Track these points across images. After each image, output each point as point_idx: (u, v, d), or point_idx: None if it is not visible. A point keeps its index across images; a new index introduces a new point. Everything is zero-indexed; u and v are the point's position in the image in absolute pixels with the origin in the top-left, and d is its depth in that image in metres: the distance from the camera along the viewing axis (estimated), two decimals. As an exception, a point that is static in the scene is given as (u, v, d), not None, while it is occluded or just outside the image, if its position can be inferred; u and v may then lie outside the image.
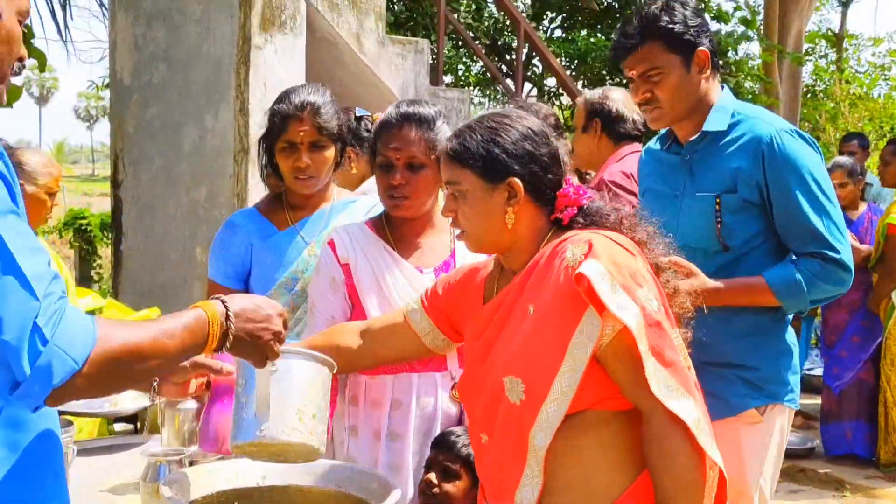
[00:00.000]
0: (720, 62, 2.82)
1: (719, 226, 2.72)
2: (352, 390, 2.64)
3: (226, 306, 1.75)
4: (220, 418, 2.25)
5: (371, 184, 3.44)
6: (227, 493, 2.23)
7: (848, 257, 2.68)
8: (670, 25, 2.71)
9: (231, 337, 1.74)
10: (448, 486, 2.42)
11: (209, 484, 2.22)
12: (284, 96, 2.85)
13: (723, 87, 2.83)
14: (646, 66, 2.74)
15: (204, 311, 1.72)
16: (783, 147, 2.67)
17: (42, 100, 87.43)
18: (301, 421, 2.02)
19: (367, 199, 3.06)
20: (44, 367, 1.46)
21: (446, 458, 2.45)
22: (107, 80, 6.97)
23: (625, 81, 10.18)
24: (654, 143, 3.03)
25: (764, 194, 2.70)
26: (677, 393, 1.89)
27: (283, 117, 2.80)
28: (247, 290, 2.93)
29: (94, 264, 13.36)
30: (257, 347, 1.83)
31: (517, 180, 2.06)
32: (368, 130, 3.60)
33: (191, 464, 2.41)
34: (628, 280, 1.92)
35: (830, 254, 2.66)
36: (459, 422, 2.63)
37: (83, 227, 13.44)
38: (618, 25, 3.03)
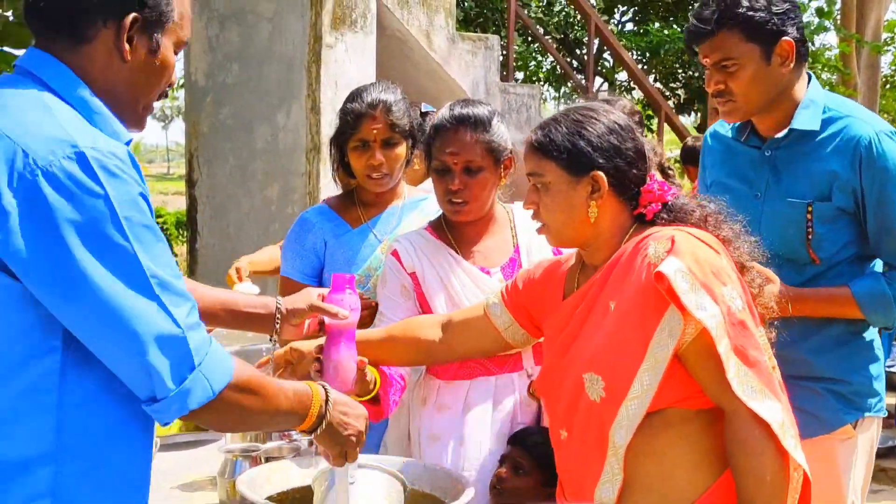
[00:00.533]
0: (807, 51, 2.53)
1: (810, 236, 2.49)
2: (424, 392, 2.62)
3: (327, 392, 1.85)
4: (339, 357, 2.26)
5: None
6: (302, 489, 2.24)
7: None
8: (750, 13, 2.42)
9: (325, 423, 1.83)
10: (517, 481, 2.42)
11: (284, 480, 2.24)
12: (356, 95, 2.86)
13: (809, 78, 2.57)
14: (720, 56, 2.46)
15: (310, 388, 1.82)
16: (883, 151, 2.44)
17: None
18: None
19: (434, 196, 3.06)
20: (186, 390, 1.55)
21: (518, 453, 2.45)
22: (181, 81, 7.06)
23: (698, 76, 10.01)
24: (723, 129, 2.74)
25: (859, 202, 2.48)
26: (761, 395, 1.86)
27: (355, 115, 2.80)
28: (320, 285, 2.94)
29: (171, 262, 13.59)
30: (342, 441, 1.90)
31: (601, 174, 2.04)
32: None
33: (267, 460, 2.43)
34: (710, 278, 1.89)
35: None
36: (538, 420, 2.61)
37: (161, 226, 13.67)
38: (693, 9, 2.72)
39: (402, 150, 2.86)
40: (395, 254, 2.64)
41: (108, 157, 1.52)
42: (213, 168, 6.55)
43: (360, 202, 2.98)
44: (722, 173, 2.71)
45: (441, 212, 2.71)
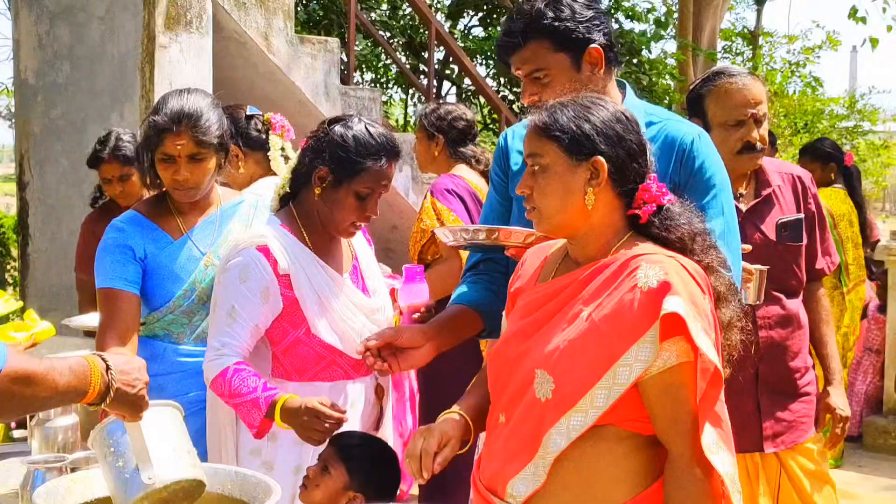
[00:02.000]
0: (620, 56, 2.56)
1: None
2: None
3: (105, 361, 1.84)
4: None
5: (261, 185, 3.43)
6: (105, 499, 2.21)
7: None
8: (556, 23, 2.44)
9: (112, 391, 1.83)
10: (321, 479, 2.50)
11: (87, 491, 2.20)
12: (161, 106, 2.76)
13: (624, 86, 2.62)
14: (531, 67, 2.48)
15: (86, 361, 1.80)
16: (701, 151, 2.50)
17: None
18: (181, 458, 2.08)
19: (252, 198, 3.05)
20: None
21: (330, 453, 2.53)
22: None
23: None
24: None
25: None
26: (717, 447, 1.90)
27: (158, 130, 2.73)
28: (143, 297, 2.88)
29: (9, 266, 13.07)
30: (133, 399, 1.90)
31: (602, 160, 2.01)
32: (258, 130, 3.57)
33: (72, 471, 2.38)
34: (705, 324, 1.91)
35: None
36: (377, 427, 2.77)
37: (-4, 230, 13.13)
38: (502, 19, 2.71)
39: (210, 163, 2.81)
40: (264, 250, 2.59)
41: None
42: (44, 170, 6.36)
43: (175, 210, 2.90)
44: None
45: (283, 208, 2.72)
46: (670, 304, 1.88)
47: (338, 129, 2.66)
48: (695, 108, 3.18)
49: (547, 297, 2.09)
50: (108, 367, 1.83)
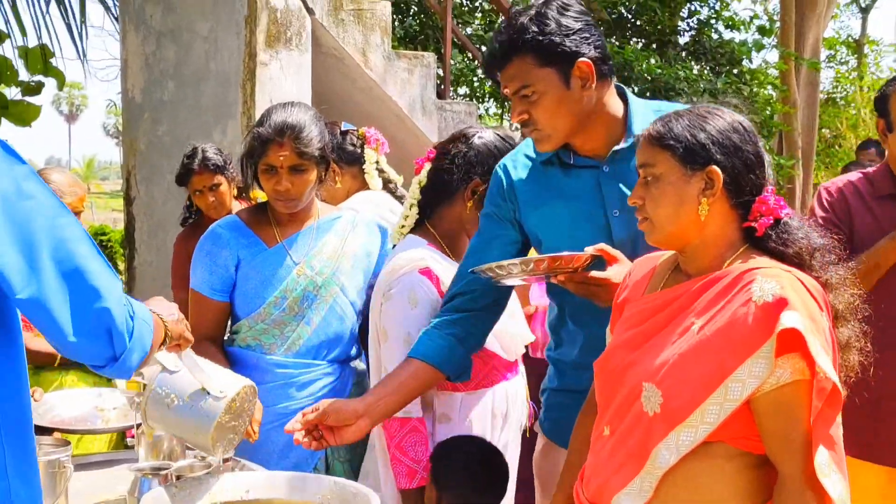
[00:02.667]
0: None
1: None
2: (443, 409, 2.73)
3: (160, 315, 2.00)
4: None
5: (357, 200, 3.47)
6: (208, 507, 2.26)
7: None
8: (540, 37, 2.30)
9: (170, 333, 2.02)
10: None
11: (190, 499, 2.25)
12: (265, 117, 2.82)
13: (624, 92, 2.48)
14: (518, 84, 2.35)
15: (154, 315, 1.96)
16: None
17: (71, 117, 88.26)
18: (227, 373, 2.36)
19: (350, 215, 3.07)
20: (139, 338, 1.76)
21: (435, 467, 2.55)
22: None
23: (638, 91, 10.08)
24: (528, 155, 2.56)
25: None
26: (829, 469, 1.84)
27: (262, 141, 2.78)
28: (231, 302, 2.94)
29: (116, 279, 13.48)
30: (182, 334, 2.10)
31: (717, 169, 1.95)
32: (353, 145, 3.61)
33: (178, 478, 2.43)
34: (823, 341, 1.84)
35: None
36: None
37: (104, 244, 13.57)
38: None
39: (311, 175, 2.84)
40: (427, 272, 2.65)
41: None
42: (150, 186, 6.54)
43: (274, 220, 2.96)
44: (554, 201, 2.50)
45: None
46: (788, 319, 1.81)
47: (480, 140, 2.74)
48: (880, 107, 3.07)
49: (656, 308, 2.04)
50: (166, 325, 2.00)
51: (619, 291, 2.22)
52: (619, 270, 2.27)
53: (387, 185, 3.65)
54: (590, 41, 2.34)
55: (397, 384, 2.45)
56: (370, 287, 2.96)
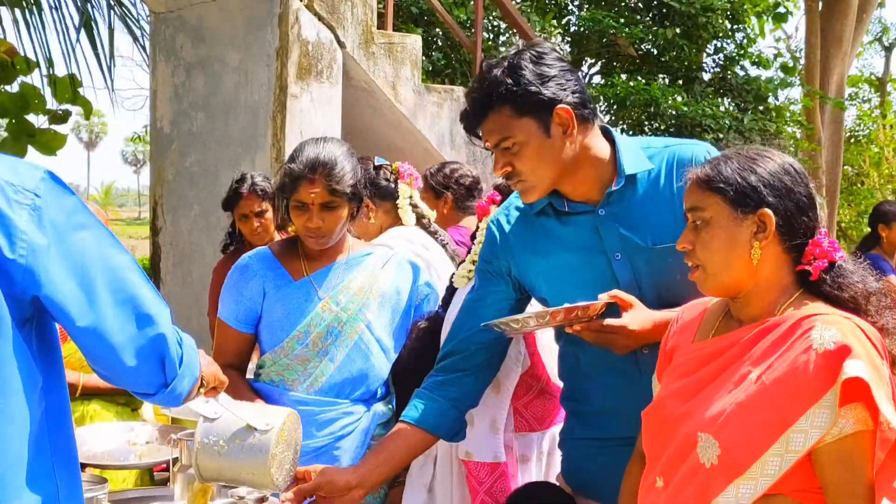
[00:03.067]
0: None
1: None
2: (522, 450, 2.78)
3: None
4: None
5: (390, 235, 3.43)
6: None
7: None
8: (515, 88, 2.25)
9: (205, 382, 2.06)
10: None
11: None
12: (297, 154, 2.79)
13: (610, 132, 2.42)
14: (498, 137, 2.28)
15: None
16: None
17: (90, 144, 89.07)
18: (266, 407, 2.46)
19: (382, 252, 3.03)
20: (189, 363, 1.81)
21: None
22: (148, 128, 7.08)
23: (664, 128, 9.97)
24: (521, 206, 2.50)
25: None
26: None
27: (294, 178, 2.75)
28: (256, 335, 2.92)
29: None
30: (218, 383, 2.17)
31: (769, 212, 1.91)
32: (387, 179, 3.57)
33: (211, 517, 2.39)
34: (887, 390, 1.79)
35: None
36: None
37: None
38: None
39: (343, 212, 2.80)
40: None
41: None
42: (177, 216, 6.53)
43: (303, 253, 2.93)
44: (552, 250, 2.45)
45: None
46: (852, 368, 1.76)
47: None
48: None
49: (709, 356, 1.99)
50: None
51: (666, 338, 2.17)
52: (635, 316, 2.23)
53: (420, 220, 3.61)
54: (566, 87, 2.29)
55: (389, 453, 2.43)
56: (404, 325, 2.94)
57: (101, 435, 3.18)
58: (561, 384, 2.61)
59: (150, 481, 3.84)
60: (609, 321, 2.20)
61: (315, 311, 2.84)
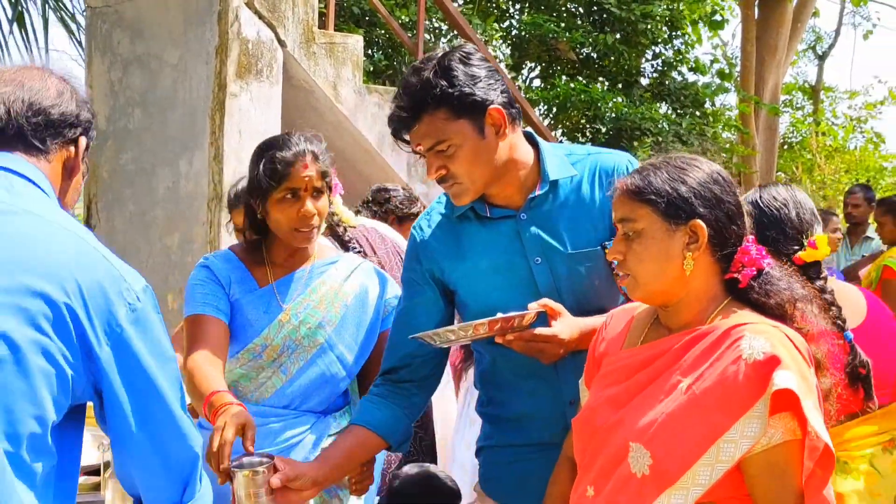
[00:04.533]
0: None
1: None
2: None
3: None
4: None
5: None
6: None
7: None
8: (450, 90, 2.22)
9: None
10: None
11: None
12: (282, 143, 2.70)
13: (533, 136, 2.42)
14: (432, 140, 2.24)
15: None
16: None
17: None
18: None
19: (349, 260, 2.91)
20: (203, 498, 1.85)
21: None
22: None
23: (604, 131, 10.03)
24: (443, 212, 2.48)
25: None
26: None
27: (286, 163, 2.65)
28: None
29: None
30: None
31: (702, 223, 1.92)
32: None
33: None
34: (815, 399, 1.81)
35: None
36: None
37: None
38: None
39: (326, 201, 2.73)
40: None
41: None
42: (112, 214, 6.43)
43: (268, 259, 2.81)
44: (474, 254, 2.41)
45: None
46: (781, 380, 1.77)
47: None
48: None
49: (640, 364, 1.98)
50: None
51: (595, 344, 2.17)
52: (565, 324, 2.22)
53: (334, 228, 3.52)
54: (496, 87, 2.28)
55: (346, 452, 2.39)
56: (369, 339, 2.83)
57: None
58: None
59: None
60: (540, 330, 2.18)
61: (273, 322, 2.73)
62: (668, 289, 1.95)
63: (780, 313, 1.93)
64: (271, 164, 2.67)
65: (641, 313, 2.11)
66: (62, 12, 7.53)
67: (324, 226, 3.29)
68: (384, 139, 6.75)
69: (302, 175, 2.65)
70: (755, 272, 1.94)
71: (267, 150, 2.71)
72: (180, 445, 1.80)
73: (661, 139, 10.42)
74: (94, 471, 3.26)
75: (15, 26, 7.19)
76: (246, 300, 2.76)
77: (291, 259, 2.81)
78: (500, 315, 2.18)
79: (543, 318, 2.21)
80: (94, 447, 3.04)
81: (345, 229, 3.49)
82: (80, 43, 7.56)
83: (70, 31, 7.66)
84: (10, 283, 1.57)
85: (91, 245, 1.72)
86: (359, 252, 3.40)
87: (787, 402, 1.79)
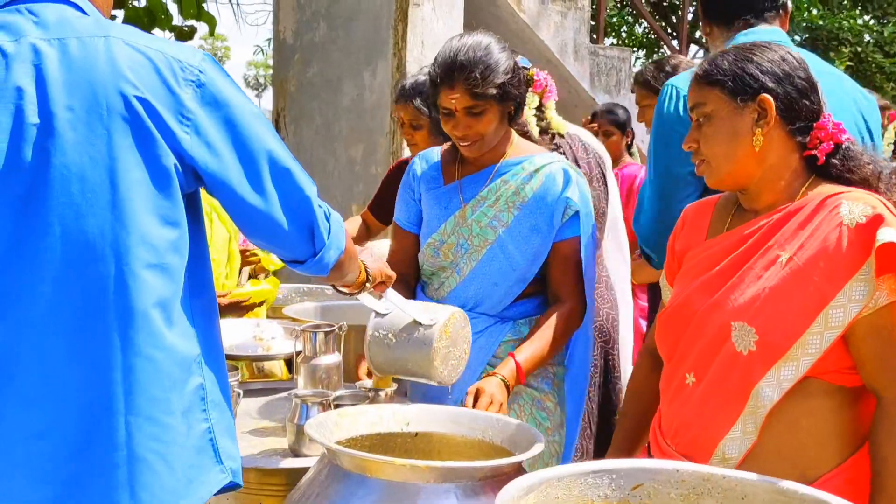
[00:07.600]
0: None
1: None
2: None
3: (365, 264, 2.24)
4: None
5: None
6: (370, 437, 2.21)
7: None
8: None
9: (371, 281, 2.25)
10: None
11: (352, 427, 2.21)
12: (438, 55, 2.63)
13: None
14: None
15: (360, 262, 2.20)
16: None
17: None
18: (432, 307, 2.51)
19: (538, 159, 2.77)
20: (336, 235, 1.88)
21: None
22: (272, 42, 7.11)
23: (798, 41, 9.57)
24: None
25: None
26: None
27: (433, 83, 2.63)
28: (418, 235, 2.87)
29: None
30: (385, 280, 2.33)
31: (769, 97, 1.90)
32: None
33: (336, 406, 2.41)
34: None
35: None
36: None
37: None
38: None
39: (491, 115, 2.61)
40: None
41: None
42: (299, 127, 6.58)
43: (459, 158, 2.81)
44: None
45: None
46: (885, 235, 1.75)
47: None
48: None
49: (732, 246, 1.97)
50: (366, 267, 2.24)
51: (673, 240, 2.18)
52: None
53: (542, 133, 3.44)
54: None
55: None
56: (543, 244, 2.73)
57: (229, 330, 3.24)
58: None
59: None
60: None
61: (450, 219, 2.75)
62: (742, 168, 1.95)
63: (865, 188, 1.90)
64: (428, 79, 2.70)
65: (721, 203, 2.11)
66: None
67: (535, 130, 3.26)
68: (566, 48, 6.63)
69: (448, 97, 2.60)
70: (833, 147, 1.92)
71: (435, 60, 2.66)
72: (293, 203, 1.79)
73: (860, 49, 9.82)
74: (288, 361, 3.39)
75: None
76: (428, 196, 2.82)
77: (481, 158, 2.77)
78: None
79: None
80: (288, 336, 3.15)
81: (552, 137, 3.39)
82: (267, -39, 7.71)
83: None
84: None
85: (142, 41, 1.71)
86: None
87: (891, 261, 1.77)
